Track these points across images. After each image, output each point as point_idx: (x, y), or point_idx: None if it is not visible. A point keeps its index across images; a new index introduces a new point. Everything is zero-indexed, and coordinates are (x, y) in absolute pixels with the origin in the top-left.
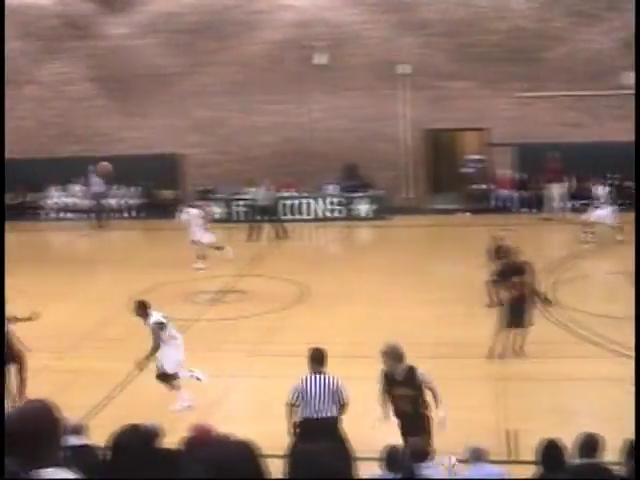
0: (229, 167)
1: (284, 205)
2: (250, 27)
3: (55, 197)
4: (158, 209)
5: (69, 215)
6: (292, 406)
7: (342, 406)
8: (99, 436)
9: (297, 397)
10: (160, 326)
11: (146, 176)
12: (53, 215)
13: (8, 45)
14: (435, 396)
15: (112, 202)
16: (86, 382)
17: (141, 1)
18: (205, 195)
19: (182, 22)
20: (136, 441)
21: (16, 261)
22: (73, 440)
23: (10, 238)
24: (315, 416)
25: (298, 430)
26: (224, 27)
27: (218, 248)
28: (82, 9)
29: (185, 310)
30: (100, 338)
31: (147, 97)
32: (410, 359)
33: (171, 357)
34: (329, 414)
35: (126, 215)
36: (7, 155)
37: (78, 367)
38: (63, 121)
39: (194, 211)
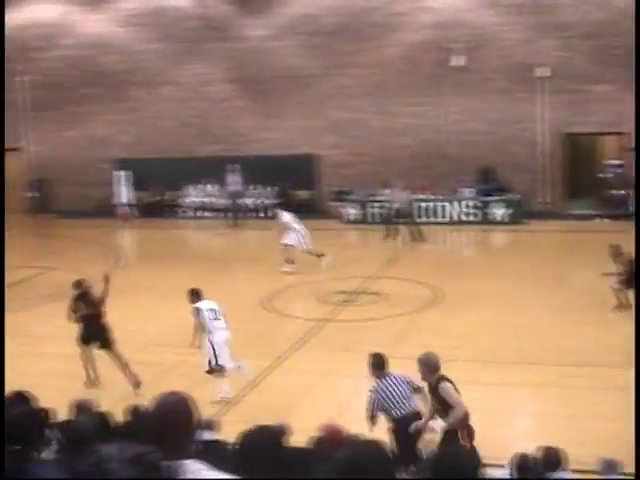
0: (365, 168)
1: (419, 207)
2: (388, 29)
3: (193, 196)
4: (294, 209)
5: (206, 214)
6: (372, 418)
7: (416, 390)
8: (230, 432)
9: (375, 407)
10: (196, 311)
11: (282, 176)
12: (190, 213)
13: (148, 47)
14: (450, 413)
15: (248, 202)
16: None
17: (279, 3)
18: (340, 196)
19: (320, 24)
20: (265, 441)
21: (153, 257)
22: (205, 435)
23: (148, 235)
24: (405, 412)
25: (395, 434)
26: (362, 29)
27: (319, 255)
28: (221, 11)
29: (318, 310)
30: (234, 336)
31: (284, 98)
32: (538, 366)
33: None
34: (416, 406)
35: (262, 215)
36: (146, 155)
37: None
38: (202, 121)
39: (286, 215)
